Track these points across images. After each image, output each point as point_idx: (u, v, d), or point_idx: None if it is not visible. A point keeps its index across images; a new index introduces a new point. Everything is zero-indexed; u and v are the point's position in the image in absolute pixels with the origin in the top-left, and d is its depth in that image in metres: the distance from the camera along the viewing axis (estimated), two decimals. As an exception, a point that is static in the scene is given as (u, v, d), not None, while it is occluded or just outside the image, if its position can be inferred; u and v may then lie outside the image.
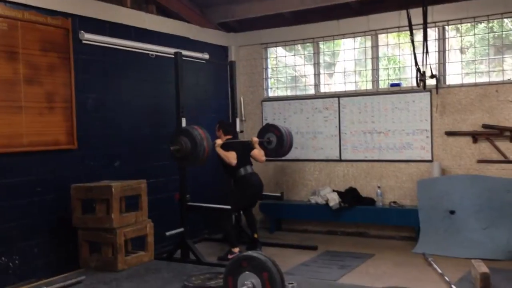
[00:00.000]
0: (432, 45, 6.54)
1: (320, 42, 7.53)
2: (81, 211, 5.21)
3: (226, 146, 5.99)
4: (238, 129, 6.88)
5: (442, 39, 6.63)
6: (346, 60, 7.41)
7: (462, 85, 6.50)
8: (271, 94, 7.97)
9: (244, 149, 6.19)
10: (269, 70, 7.98)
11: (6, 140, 4.76)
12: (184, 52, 6.13)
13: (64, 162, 5.33)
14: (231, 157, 5.90)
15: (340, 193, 6.99)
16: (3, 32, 4.76)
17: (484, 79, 6.46)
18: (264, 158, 6.37)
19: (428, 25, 5.87)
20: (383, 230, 6.94)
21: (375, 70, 7.11)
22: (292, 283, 4.13)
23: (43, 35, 5.11)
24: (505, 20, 6.37)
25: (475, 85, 6.41)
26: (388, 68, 7.25)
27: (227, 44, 7.85)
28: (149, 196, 5.56)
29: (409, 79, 6.88)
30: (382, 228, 6.94)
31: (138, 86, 6.28)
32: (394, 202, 6.77)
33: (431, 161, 6.61)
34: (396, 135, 6.87)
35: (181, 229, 5.71)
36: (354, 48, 7.33)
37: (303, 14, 7.28)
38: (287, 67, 7.93)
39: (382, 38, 7.10)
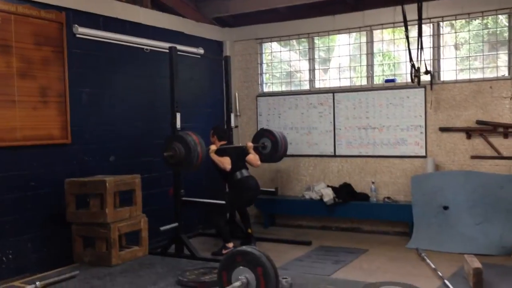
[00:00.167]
0: (427, 41, 6.55)
1: (315, 38, 7.52)
2: (75, 205, 5.19)
3: (220, 152, 5.99)
4: (232, 124, 6.86)
5: (436, 35, 6.65)
6: (341, 55, 7.41)
7: (456, 81, 6.52)
8: (266, 89, 7.96)
9: (238, 154, 6.19)
10: (264, 65, 7.97)
11: (0, 134, 4.73)
12: (179, 47, 6.10)
13: (58, 156, 5.31)
14: (225, 162, 5.90)
15: (334, 189, 7.00)
16: (-4, 25, 4.73)
17: (478, 75, 6.48)
18: (259, 162, 6.37)
19: (423, 21, 5.87)
20: (377, 226, 6.96)
21: (370, 65, 7.11)
22: (286, 278, 4.14)
23: (37, 29, 5.08)
24: (500, 16, 6.39)
25: (469, 81, 6.44)
26: (382, 64, 7.26)
27: (222, 39, 7.83)
28: (143, 191, 5.55)
29: (404, 75, 6.90)
30: (376, 223, 6.96)
31: (132, 80, 6.25)
32: (388, 198, 6.79)
33: (425, 157, 6.64)
34: (391, 131, 6.88)
35: (176, 224, 5.70)
36: (349, 44, 7.33)
37: (298, 9, 7.27)
38: (282, 62, 7.92)
39: (377, 34, 7.10)
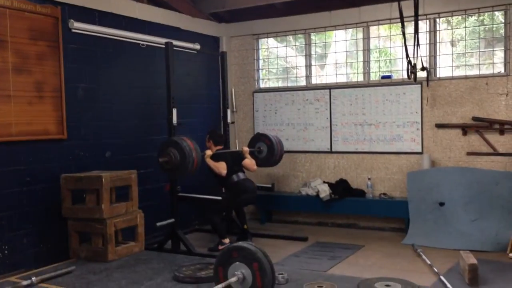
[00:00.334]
0: (423, 38, 6.56)
1: (312, 34, 7.52)
2: (71, 201, 5.19)
3: (216, 157, 5.99)
4: (229, 120, 6.86)
5: (433, 31, 6.65)
6: (338, 51, 7.41)
7: (452, 78, 6.53)
8: (262, 85, 7.96)
9: (234, 159, 6.19)
10: (261, 61, 7.96)
11: (-5, 130, 4.72)
12: (175, 42, 6.09)
13: (54, 152, 5.29)
14: (221, 167, 5.90)
15: (330, 185, 7.01)
16: (-9, 20, 4.70)
17: (474, 72, 6.49)
18: (255, 167, 6.37)
19: (420, 17, 5.88)
20: (373, 222, 6.98)
21: (367, 62, 7.11)
22: (282, 274, 4.16)
23: (32, 24, 5.06)
24: (496, 13, 6.40)
25: (466, 77, 6.45)
26: (379, 60, 7.26)
27: (219, 35, 7.81)
28: (140, 186, 5.56)
29: (400, 71, 6.90)
30: (372, 219, 6.98)
31: (128, 76, 6.24)
32: (384, 194, 6.81)
33: (421, 153, 6.65)
34: (387, 127, 6.89)
35: (172, 220, 5.70)
36: (346, 40, 7.32)
37: (295, 4, 7.25)
38: (278, 58, 7.91)
39: (373, 30, 7.10)
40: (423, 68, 6.10)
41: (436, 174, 6.28)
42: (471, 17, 6.55)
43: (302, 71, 7.64)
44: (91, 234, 5.16)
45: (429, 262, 5.15)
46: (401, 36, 6.15)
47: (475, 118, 6.34)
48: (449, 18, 6.64)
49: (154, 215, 5.76)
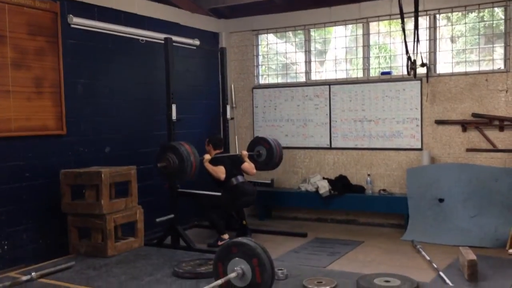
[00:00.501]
0: (423, 34, 6.55)
1: (311, 30, 7.50)
2: (71, 196, 5.18)
3: (214, 161, 5.99)
4: (228, 116, 6.85)
5: (433, 27, 6.64)
6: (337, 47, 7.40)
7: (452, 74, 6.52)
8: (262, 81, 7.95)
9: (233, 163, 6.20)
10: (260, 57, 7.95)
11: (-6, 125, 4.71)
12: (175, 38, 6.08)
13: (53, 147, 5.29)
14: (219, 171, 5.90)
15: (330, 181, 7.01)
16: (-10, 15, 4.68)
17: (474, 68, 6.48)
18: (254, 171, 6.38)
19: (420, 13, 5.86)
20: (373, 218, 6.98)
21: (366, 58, 7.10)
22: (282, 270, 4.15)
23: (31, 19, 5.04)
24: (496, 9, 6.39)
25: (465, 74, 6.44)
26: (379, 56, 7.25)
27: (218, 31, 7.80)
28: (139, 182, 5.54)
29: (400, 67, 6.90)
30: (371, 215, 6.99)
31: (128, 71, 6.22)
32: (384, 190, 6.81)
33: (420, 149, 6.65)
34: (386, 123, 6.89)
35: (171, 216, 5.70)
36: (345, 36, 7.31)
37: (295, 0, 7.24)
38: (278, 54, 7.90)
39: (373, 26, 7.09)
40: (423, 64, 6.09)
41: (435, 170, 6.29)
42: (471, 13, 6.54)
43: (302, 67, 7.63)
44: (91, 229, 5.16)
45: (428, 258, 5.16)
46: (401, 32, 6.14)
47: (474, 115, 6.34)
48: (449, 14, 6.63)
49: (153, 211, 5.76)
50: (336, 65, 7.40)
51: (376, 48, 7.23)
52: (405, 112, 6.76)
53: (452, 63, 6.60)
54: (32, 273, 4.35)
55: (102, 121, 5.85)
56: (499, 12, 6.42)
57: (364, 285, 3.84)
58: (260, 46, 7.93)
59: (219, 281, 3.46)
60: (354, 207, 6.96)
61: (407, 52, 5.86)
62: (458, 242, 5.56)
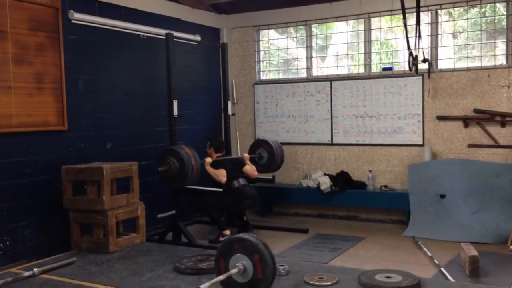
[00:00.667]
0: (425, 29, 6.54)
1: (313, 25, 7.48)
2: (72, 192, 5.18)
3: (216, 164, 6.00)
4: (230, 112, 6.85)
5: (434, 23, 6.62)
6: (339, 43, 7.38)
7: (454, 70, 6.51)
8: (263, 77, 7.93)
9: (235, 165, 6.20)
10: (261, 53, 7.93)
11: (-5, 121, 4.71)
12: (176, 34, 6.06)
13: (55, 143, 5.28)
14: (221, 174, 5.90)
15: (331, 177, 7.01)
16: (-9, 10, 4.67)
17: (476, 64, 6.47)
18: (256, 173, 6.38)
19: (421, 8, 5.85)
20: (374, 214, 6.98)
21: (368, 53, 7.09)
22: (283, 265, 4.16)
23: (32, 14, 5.03)
24: (498, 5, 6.37)
25: (467, 69, 6.43)
26: (380, 52, 7.23)
27: (219, 26, 7.78)
28: (141, 178, 5.54)
29: (401, 63, 6.88)
30: (372, 211, 6.99)
31: (129, 67, 6.21)
32: (385, 186, 6.81)
33: (422, 145, 6.64)
34: (388, 119, 6.88)
35: (173, 212, 5.70)
36: (347, 32, 7.29)
37: (296, -4, 7.22)
38: (279, 50, 7.88)
39: (375, 21, 7.07)
40: (424, 60, 6.09)
41: (437, 166, 6.28)
42: (473, 8, 6.52)
43: (303, 63, 7.62)
44: (92, 225, 5.16)
45: (429, 254, 5.16)
46: (402, 28, 6.13)
47: (476, 110, 6.32)
48: (451, 10, 6.61)
49: (155, 207, 5.76)
50: (338, 61, 7.39)
51: (377, 43, 7.21)
52: (407, 108, 6.74)
53: (454, 58, 6.58)
54: (34, 269, 4.36)
55: (103, 117, 5.85)
56: (501, 7, 6.39)
57: (366, 281, 3.85)
58: (261, 42, 7.92)
59: (221, 277, 3.46)
60: (356, 203, 6.96)
61: (408, 47, 5.85)
62: (459, 238, 5.56)
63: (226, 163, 6.10)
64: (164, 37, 5.86)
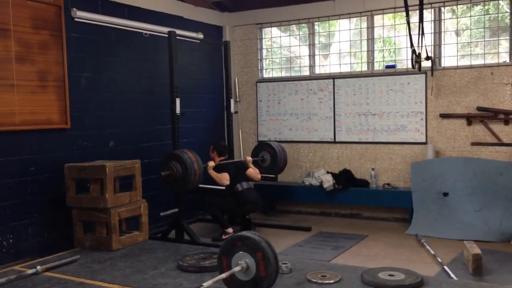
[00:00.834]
0: (428, 27, 6.51)
1: (316, 23, 7.47)
2: (75, 190, 5.19)
3: (219, 167, 6.01)
4: (232, 110, 6.84)
5: (438, 20, 6.60)
6: (341, 41, 7.37)
7: (457, 67, 6.49)
8: (265, 75, 7.92)
9: (238, 169, 6.21)
10: (264, 51, 7.92)
11: (-1, 119, 4.71)
12: (178, 32, 6.05)
13: (58, 141, 5.29)
14: (224, 178, 5.90)
15: (334, 175, 7.00)
16: (-6, 8, 4.68)
17: (479, 61, 6.44)
18: (259, 176, 6.39)
19: (424, 6, 5.82)
20: (377, 212, 6.98)
21: (371, 51, 7.07)
22: (286, 263, 4.16)
23: (35, 12, 5.03)
24: (501, 2, 6.34)
25: (470, 67, 6.41)
26: (383, 50, 7.22)
27: (222, 24, 7.77)
28: (144, 176, 5.55)
29: (404, 61, 6.86)
30: (375, 209, 6.98)
31: (132, 65, 6.21)
32: (388, 184, 6.80)
33: (425, 143, 6.63)
34: (391, 117, 6.86)
35: (176, 210, 5.70)
36: (350, 29, 7.27)
37: (299, -7, 7.21)
38: (282, 48, 7.87)
39: (377, 19, 7.05)
40: (427, 58, 6.07)
41: (440, 164, 6.27)
42: (476, 6, 6.50)
43: (306, 61, 7.60)
44: (95, 223, 5.17)
45: (432, 252, 5.15)
46: (405, 25, 6.11)
47: (479, 108, 6.31)
48: (454, 7, 6.59)
49: (157, 205, 5.77)
50: (340, 59, 7.37)
51: (380, 41, 7.19)
52: (410, 106, 6.73)
53: (457, 56, 6.56)
54: (37, 267, 4.38)
55: (106, 115, 5.85)
56: (504, 5, 6.37)
57: (368, 279, 3.84)
58: (264, 40, 7.91)
59: (223, 275, 3.46)
60: (358, 201, 6.96)
61: (411, 45, 5.83)
62: (462, 236, 5.55)
63: (229, 167, 6.11)
64: (166, 35, 5.86)
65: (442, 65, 6.60)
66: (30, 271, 4.33)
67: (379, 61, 7.11)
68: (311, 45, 7.50)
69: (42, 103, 5.11)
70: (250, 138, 7.87)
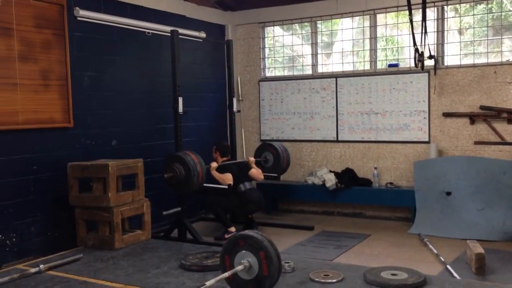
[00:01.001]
0: (431, 26, 6.50)
1: (318, 22, 7.46)
2: (78, 189, 5.20)
3: (221, 168, 6.02)
4: (235, 109, 6.84)
5: (441, 19, 6.59)
6: (344, 40, 7.36)
7: (460, 66, 6.47)
8: (268, 74, 7.92)
9: (240, 169, 6.22)
10: (267, 50, 7.92)
11: (1, 118, 4.71)
12: (181, 31, 6.06)
13: (60, 140, 5.30)
14: (226, 179, 5.92)
15: (337, 174, 7.00)
16: (-3, 8, 4.68)
17: (482, 60, 6.43)
18: (262, 176, 6.41)
19: (427, 4, 5.81)
20: (379, 211, 6.97)
21: (373, 50, 7.06)
22: (288, 262, 4.16)
23: (38, 11, 5.03)
24: (504, 1, 6.32)
25: (473, 66, 6.39)
26: (386, 49, 7.20)
27: (224, 23, 7.77)
28: (146, 175, 5.56)
29: (407, 59, 6.85)
30: (378, 208, 6.97)
31: (134, 64, 6.22)
32: (391, 183, 6.78)
33: (428, 142, 6.62)
34: (394, 116, 6.85)
35: (178, 209, 5.71)
36: (352, 28, 7.26)
37: (301, -8, 7.20)
38: (284, 46, 7.86)
39: (380, 18, 7.03)
40: (430, 57, 6.04)
41: (443, 163, 6.25)
42: (479, 5, 6.48)
43: (308, 60, 7.60)
44: (98, 222, 5.18)
45: (435, 252, 5.14)
46: (408, 24, 6.10)
47: (483, 107, 6.29)
48: (457, 6, 6.57)
49: (160, 204, 5.77)
50: (343, 58, 7.36)
51: (383, 40, 7.18)
52: (413, 105, 6.72)
53: (460, 55, 6.55)
54: (40, 265, 4.38)
55: (109, 113, 5.86)
56: (507, 3, 6.35)
57: (371, 278, 3.84)
58: (266, 39, 7.90)
59: (226, 274, 3.46)
60: (361, 200, 6.95)
61: (414, 44, 5.81)
62: (465, 235, 5.54)
63: (232, 167, 6.12)
64: (169, 34, 5.85)
65: (445, 64, 6.59)
66: (33, 270, 4.34)
67: (382, 60, 7.10)
68: (314, 44, 7.49)
69: (45, 102, 5.11)
70: (252, 137, 7.87)
